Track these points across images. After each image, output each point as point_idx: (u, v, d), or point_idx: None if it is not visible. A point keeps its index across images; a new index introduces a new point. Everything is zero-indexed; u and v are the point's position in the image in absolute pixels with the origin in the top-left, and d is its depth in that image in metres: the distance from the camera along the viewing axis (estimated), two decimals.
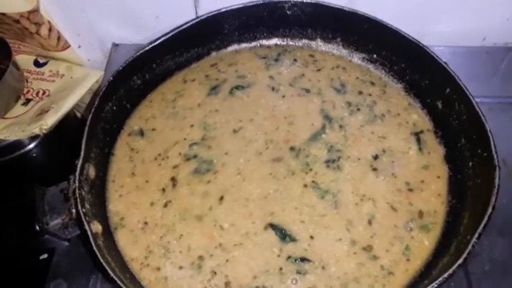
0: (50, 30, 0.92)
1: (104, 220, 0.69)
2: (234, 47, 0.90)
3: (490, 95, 0.91)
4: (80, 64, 1.00)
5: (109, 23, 0.99)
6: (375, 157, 0.76)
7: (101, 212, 0.69)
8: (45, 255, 0.74)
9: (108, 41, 1.03)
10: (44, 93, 0.94)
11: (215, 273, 0.66)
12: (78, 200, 0.62)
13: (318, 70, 0.87)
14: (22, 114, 0.91)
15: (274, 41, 0.91)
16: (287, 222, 0.70)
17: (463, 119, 0.74)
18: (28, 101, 0.93)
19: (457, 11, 0.94)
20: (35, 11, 0.86)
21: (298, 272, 0.66)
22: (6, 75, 0.85)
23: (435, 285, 0.55)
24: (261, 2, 0.84)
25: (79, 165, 0.65)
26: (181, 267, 0.66)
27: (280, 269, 0.66)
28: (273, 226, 0.69)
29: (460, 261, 0.56)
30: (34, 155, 0.88)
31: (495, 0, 0.93)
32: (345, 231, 0.69)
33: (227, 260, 0.66)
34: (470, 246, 0.57)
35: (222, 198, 0.72)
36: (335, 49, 0.90)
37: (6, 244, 0.77)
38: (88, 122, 0.69)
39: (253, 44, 0.91)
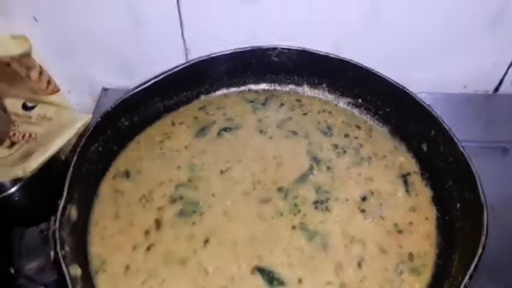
0: (40, 74, 0.93)
1: (85, 263, 0.66)
2: (223, 91, 0.92)
3: (472, 140, 0.92)
4: (69, 108, 1.01)
5: (100, 68, 1.01)
6: (363, 198, 0.75)
7: (81, 255, 0.66)
8: None
9: (98, 86, 1.04)
10: (30, 136, 0.93)
11: None
12: (58, 241, 0.60)
13: (305, 114, 0.88)
14: (6, 157, 0.89)
15: (262, 86, 0.93)
16: (275, 264, 0.67)
17: (449, 160, 0.75)
18: (13, 144, 0.92)
19: (438, 58, 0.98)
20: (27, 54, 0.87)
21: None
22: None
23: None
24: (249, 49, 0.87)
25: (60, 206, 0.63)
26: None
27: None
28: (260, 269, 0.67)
29: None
30: (16, 198, 0.85)
31: (475, 51, 0.97)
32: (335, 274, 0.67)
33: None
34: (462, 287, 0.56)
35: (207, 240, 0.70)
36: (321, 94, 0.92)
37: None
38: (73, 162, 0.68)
39: (242, 88, 0.93)
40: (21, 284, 0.61)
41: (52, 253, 0.60)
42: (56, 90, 0.97)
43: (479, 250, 0.59)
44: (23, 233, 0.63)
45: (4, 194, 0.84)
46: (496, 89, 1.06)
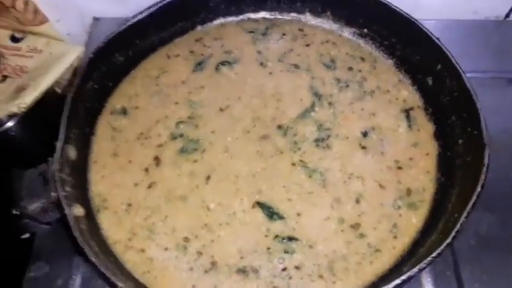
0: (26, 3, 0.88)
1: (87, 202, 0.67)
2: (220, 20, 0.87)
3: (481, 70, 0.89)
4: (60, 39, 0.96)
5: None
6: (365, 134, 0.74)
7: (83, 194, 0.67)
8: (27, 235, 0.72)
9: (88, 15, 0.98)
10: (21, 69, 0.90)
11: (201, 253, 0.65)
12: (58, 183, 0.60)
13: (308, 45, 0.84)
14: None
15: (262, 14, 0.88)
16: (275, 200, 0.69)
17: (454, 95, 0.73)
18: (5, 77, 0.89)
19: None
20: None
21: (285, 252, 0.65)
22: None
23: (424, 265, 0.55)
24: None
25: (58, 147, 0.63)
26: (166, 249, 0.65)
27: (268, 248, 0.65)
28: (260, 204, 0.68)
29: (448, 240, 0.56)
30: (13, 133, 0.84)
31: None
32: (333, 210, 0.68)
33: (212, 241, 0.65)
34: (458, 225, 0.57)
35: (208, 177, 0.70)
36: (325, 23, 0.87)
37: None
38: (69, 102, 0.66)
39: (240, 17, 0.87)
40: (26, 223, 0.62)
41: (53, 194, 0.60)
42: (44, 20, 0.92)
43: (478, 188, 0.60)
44: (21, 175, 0.63)
45: (1, 129, 0.83)
46: (507, 15, 1.00)
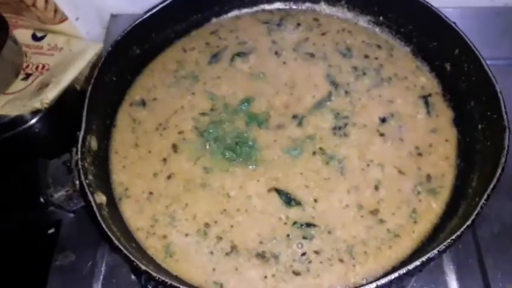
0: (46, 2, 0.90)
1: (109, 191, 0.68)
2: (235, 12, 0.88)
3: (499, 57, 0.88)
4: (79, 37, 0.99)
5: None
6: (383, 120, 0.74)
7: (105, 183, 0.69)
8: (52, 230, 0.75)
9: (106, 12, 1.00)
10: (43, 67, 0.93)
11: (221, 238, 0.66)
12: (81, 171, 0.62)
13: (323, 34, 0.84)
14: (23, 89, 0.90)
15: (277, 5, 0.89)
16: (292, 187, 0.69)
17: (472, 80, 0.72)
18: (28, 75, 0.92)
19: None
20: None
21: (304, 237, 0.65)
22: (5, 50, 0.85)
23: (443, 247, 0.54)
24: None
25: (80, 137, 0.64)
26: (187, 235, 0.66)
27: (288, 235, 0.65)
28: (277, 190, 0.68)
29: (468, 222, 0.55)
30: (37, 129, 0.87)
31: None
32: (352, 196, 0.68)
33: (232, 226, 0.66)
34: (478, 208, 0.56)
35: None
36: (340, 12, 0.87)
37: (12, 219, 0.77)
38: (88, 93, 0.68)
39: (255, 9, 0.88)
40: (51, 211, 0.64)
41: (77, 182, 0.62)
42: (63, 19, 0.95)
43: (499, 171, 0.59)
44: (46, 164, 0.65)
45: (25, 125, 0.86)
46: None
